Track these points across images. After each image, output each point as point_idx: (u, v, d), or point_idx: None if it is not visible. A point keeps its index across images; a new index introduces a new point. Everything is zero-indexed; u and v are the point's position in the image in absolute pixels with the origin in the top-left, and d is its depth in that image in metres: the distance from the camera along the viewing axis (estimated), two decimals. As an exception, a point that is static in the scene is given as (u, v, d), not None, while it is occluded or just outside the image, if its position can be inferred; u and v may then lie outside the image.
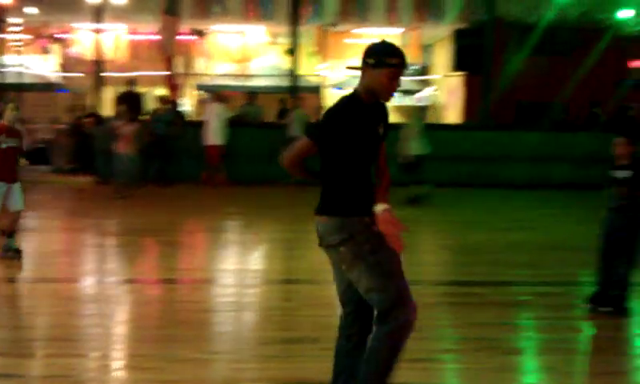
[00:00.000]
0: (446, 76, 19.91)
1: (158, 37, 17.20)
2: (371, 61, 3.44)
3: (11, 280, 6.98)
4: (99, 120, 15.13)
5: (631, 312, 5.82)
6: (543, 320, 5.93)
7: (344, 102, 3.53)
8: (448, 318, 6.02)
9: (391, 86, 3.45)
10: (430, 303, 6.25)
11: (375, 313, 3.43)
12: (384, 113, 3.59)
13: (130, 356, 4.97)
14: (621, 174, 5.72)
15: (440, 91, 21.16)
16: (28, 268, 7.39)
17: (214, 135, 14.25)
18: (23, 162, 8.02)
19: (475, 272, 7.59)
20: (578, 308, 6.01)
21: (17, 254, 7.40)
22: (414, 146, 11.95)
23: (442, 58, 20.06)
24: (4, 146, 7.29)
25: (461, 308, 6.23)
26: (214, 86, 19.03)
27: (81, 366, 4.61)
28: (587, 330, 5.71)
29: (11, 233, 7.44)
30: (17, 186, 7.40)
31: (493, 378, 4.42)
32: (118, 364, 4.79)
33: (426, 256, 8.78)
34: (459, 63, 15.12)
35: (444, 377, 4.66)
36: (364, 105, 3.49)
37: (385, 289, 3.35)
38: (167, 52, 16.64)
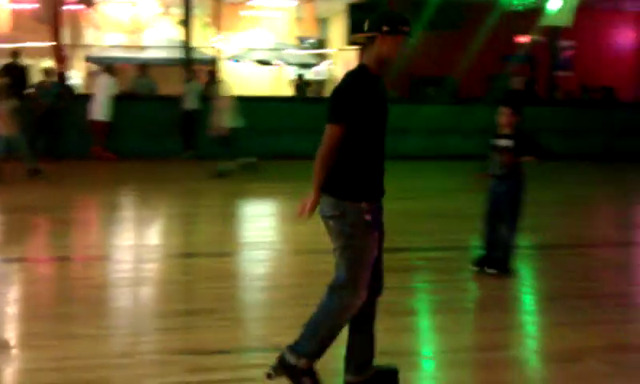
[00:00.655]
0: (341, 50, 20.12)
1: (37, 5, 16.43)
2: (386, 28, 3.46)
3: None
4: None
5: (514, 273, 6.20)
6: (434, 283, 6.21)
7: (355, 76, 3.52)
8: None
9: (398, 55, 3.51)
10: (326, 270, 6.42)
11: (330, 282, 3.68)
12: (384, 87, 3.63)
13: (21, 335, 4.82)
14: (503, 142, 6.04)
15: (336, 65, 21.37)
16: None
17: (100, 109, 13.86)
18: None
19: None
20: (466, 271, 6.32)
21: None
22: (227, 119, 12.03)
23: (338, 31, 20.24)
24: None
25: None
26: (104, 58, 18.39)
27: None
28: (474, 291, 6.03)
29: None
30: None
31: (390, 339, 4.60)
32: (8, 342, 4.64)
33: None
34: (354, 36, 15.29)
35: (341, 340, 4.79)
36: (375, 77, 3.53)
37: (347, 269, 3.58)
38: (45, 21, 15.92)
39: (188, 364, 4.17)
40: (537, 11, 17.45)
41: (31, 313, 5.26)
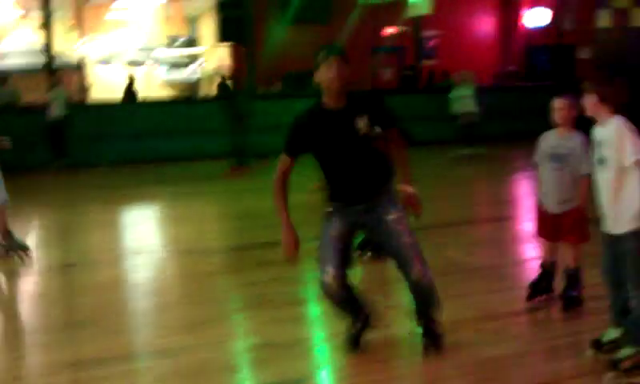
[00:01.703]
0: (212, 47, 19.99)
1: None
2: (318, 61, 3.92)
3: None
4: None
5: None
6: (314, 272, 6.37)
7: (307, 109, 4.06)
8: (232, 281, 6.28)
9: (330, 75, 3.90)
10: (209, 271, 6.48)
11: None
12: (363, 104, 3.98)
13: None
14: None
15: (209, 63, 21.21)
16: None
17: None
18: None
19: (254, 236, 7.90)
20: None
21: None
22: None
23: (208, 29, 20.10)
24: None
25: (241, 270, 6.53)
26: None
27: None
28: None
29: None
30: None
31: (275, 329, 4.75)
32: None
33: (205, 225, 9.00)
34: (224, 34, 15.25)
35: (236, 334, 4.87)
36: (325, 109, 3.98)
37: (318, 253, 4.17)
38: None
39: (74, 377, 4.10)
40: (400, 2, 18.12)
41: None
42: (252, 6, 15.06)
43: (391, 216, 4.06)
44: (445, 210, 8.86)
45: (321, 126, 3.96)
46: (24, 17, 19.04)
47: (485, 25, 21.96)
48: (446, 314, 4.37)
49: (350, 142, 3.95)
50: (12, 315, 5.55)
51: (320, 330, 5.01)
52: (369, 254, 6.41)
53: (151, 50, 20.73)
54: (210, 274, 6.43)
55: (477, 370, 4.04)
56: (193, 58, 21.49)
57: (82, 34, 19.30)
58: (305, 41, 17.62)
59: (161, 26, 20.98)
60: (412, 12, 17.94)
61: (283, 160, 4.03)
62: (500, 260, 6.62)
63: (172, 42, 21.44)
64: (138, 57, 20.46)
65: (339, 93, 3.91)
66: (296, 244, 4.06)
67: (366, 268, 6.23)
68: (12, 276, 6.57)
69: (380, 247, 6.27)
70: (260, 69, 16.06)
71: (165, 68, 21.13)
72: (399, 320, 4.90)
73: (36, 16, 17.53)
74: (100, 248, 7.79)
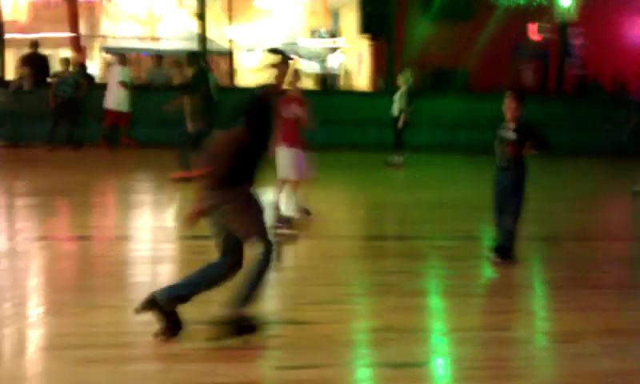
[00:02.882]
0: (353, 41, 20.32)
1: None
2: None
3: None
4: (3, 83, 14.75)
5: (518, 261, 6.36)
6: (443, 269, 6.48)
7: None
8: (360, 267, 6.51)
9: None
10: (342, 255, 6.74)
11: None
12: None
13: (48, 303, 5.12)
14: (509, 135, 6.19)
15: (348, 57, 21.58)
16: None
17: (113, 99, 14.09)
18: None
19: (383, 228, 8.10)
20: (472, 258, 6.62)
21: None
22: None
23: (350, 23, 20.44)
24: None
25: (368, 259, 6.76)
26: (120, 49, 18.71)
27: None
28: (480, 277, 6.26)
29: None
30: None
31: (398, 317, 4.91)
32: (36, 311, 4.94)
33: (339, 214, 9.28)
34: (365, 28, 15.48)
35: (349, 315, 5.08)
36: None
37: None
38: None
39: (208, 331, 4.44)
40: (546, 5, 17.57)
41: (56, 285, 5.57)
42: (395, 1, 15.17)
43: None
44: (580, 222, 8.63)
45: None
46: (179, 4, 20.21)
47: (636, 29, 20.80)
48: (571, 325, 4.35)
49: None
50: (148, 275, 6.03)
51: (440, 321, 5.11)
52: (498, 258, 6.33)
53: (294, 40, 21.37)
54: (342, 258, 6.74)
55: (593, 381, 4.04)
56: (333, 51, 21.93)
57: (231, 21, 20.23)
58: (446, 37, 17.57)
59: (304, 18, 21.56)
60: (558, 16, 17.35)
61: None
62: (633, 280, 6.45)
63: (314, 33, 21.99)
64: (281, 47, 21.16)
65: None
66: None
67: (491, 272, 6.24)
68: (147, 242, 7.14)
69: (505, 250, 6.27)
70: (400, 64, 16.15)
71: (306, 59, 21.75)
72: (522, 322, 4.96)
73: (190, 4, 18.60)
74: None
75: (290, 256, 6.77)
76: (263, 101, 4.25)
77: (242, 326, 4.23)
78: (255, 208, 4.25)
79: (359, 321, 4.98)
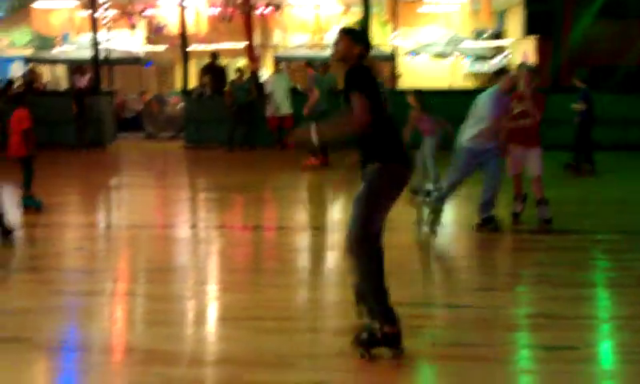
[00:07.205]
0: (518, 40, 19.96)
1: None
2: None
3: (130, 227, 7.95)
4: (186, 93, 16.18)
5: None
6: (603, 261, 6.41)
7: None
8: (519, 259, 6.65)
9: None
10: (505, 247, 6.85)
11: None
12: None
13: (225, 281, 5.75)
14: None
15: (513, 56, 21.19)
16: (134, 217, 8.41)
17: (274, 106, 14.72)
18: None
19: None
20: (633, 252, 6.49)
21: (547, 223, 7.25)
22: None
23: (514, 22, 20.10)
24: None
25: (526, 252, 6.82)
26: (290, 57, 19.69)
27: (182, 289, 5.44)
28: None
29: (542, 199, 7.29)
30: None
31: (552, 304, 4.99)
32: (214, 287, 5.58)
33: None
34: (530, 27, 15.21)
35: (516, 303, 5.25)
36: None
37: None
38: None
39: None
40: None
41: (232, 266, 6.21)
42: (561, 0, 14.78)
43: None
44: None
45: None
46: (345, 12, 20.87)
47: None
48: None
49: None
50: (314, 262, 6.50)
51: (598, 310, 5.10)
52: None
53: (458, 42, 21.33)
54: (504, 250, 6.94)
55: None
56: (498, 51, 21.64)
57: (396, 27, 20.59)
58: (611, 35, 16.81)
59: (468, 19, 21.46)
60: None
61: None
62: None
63: (478, 34, 21.82)
64: (445, 49, 21.21)
65: None
66: None
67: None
68: (314, 232, 7.66)
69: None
70: (564, 62, 15.69)
71: (470, 60, 21.62)
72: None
73: (355, 11, 19.18)
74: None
75: (460, 247, 7.03)
76: (364, 68, 4.19)
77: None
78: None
79: (518, 307, 5.12)
